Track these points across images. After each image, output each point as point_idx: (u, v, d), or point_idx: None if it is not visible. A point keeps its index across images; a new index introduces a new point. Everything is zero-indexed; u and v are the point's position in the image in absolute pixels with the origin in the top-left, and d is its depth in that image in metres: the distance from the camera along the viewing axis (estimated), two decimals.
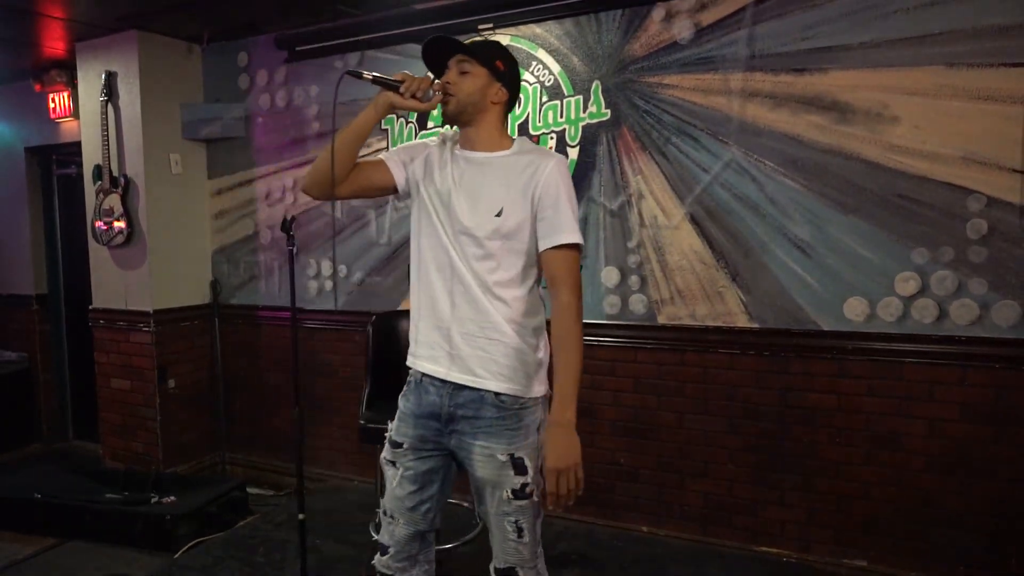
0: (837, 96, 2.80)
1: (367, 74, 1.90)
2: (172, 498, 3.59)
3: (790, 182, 2.90)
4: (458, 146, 1.91)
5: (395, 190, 1.95)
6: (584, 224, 3.31)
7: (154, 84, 4.02)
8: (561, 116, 3.32)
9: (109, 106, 4.05)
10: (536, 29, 3.34)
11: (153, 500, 3.58)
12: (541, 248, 1.80)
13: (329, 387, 4.05)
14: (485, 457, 1.80)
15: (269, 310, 4.21)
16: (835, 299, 2.87)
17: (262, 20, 3.87)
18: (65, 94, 4.65)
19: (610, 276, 3.26)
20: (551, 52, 3.31)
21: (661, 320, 3.18)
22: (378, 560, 1.96)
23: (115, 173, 4.07)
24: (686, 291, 3.13)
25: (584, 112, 3.27)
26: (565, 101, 3.30)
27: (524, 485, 1.80)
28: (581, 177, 3.29)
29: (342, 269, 3.97)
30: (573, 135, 3.30)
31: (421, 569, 1.98)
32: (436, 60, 1.92)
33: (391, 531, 1.93)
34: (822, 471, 2.94)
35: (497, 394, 1.80)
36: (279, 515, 3.63)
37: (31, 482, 3.79)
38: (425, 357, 1.89)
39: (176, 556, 3.26)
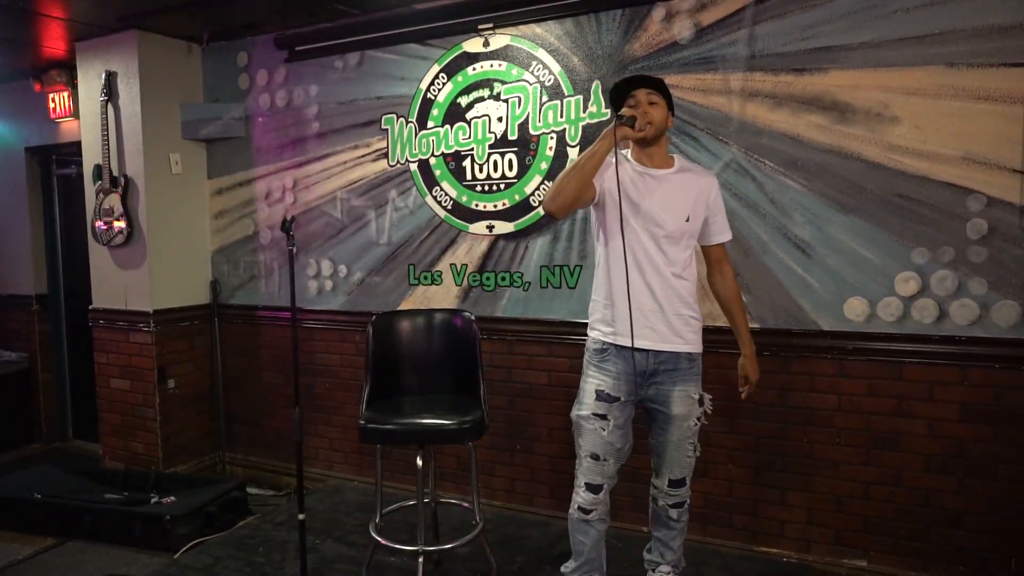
0: (837, 96, 2.80)
1: (617, 116, 2.32)
2: (172, 498, 3.59)
3: (790, 182, 2.90)
4: (636, 164, 2.39)
5: (593, 199, 2.38)
6: (584, 224, 3.31)
7: (154, 84, 4.03)
8: (561, 116, 3.31)
9: (109, 106, 4.05)
10: (536, 29, 3.34)
11: (153, 500, 3.59)
12: (714, 242, 2.47)
13: (329, 387, 4.05)
14: (684, 397, 2.39)
15: (269, 310, 4.21)
16: (835, 299, 2.87)
17: (262, 20, 3.87)
18: (65, 94, 4.65)
19: None
20: (551, 52, 3.31)
21: None
22: (589, 499, 2.42)
23: (115, 173, 4.07)
24: None
25: (584, 112, 3.27)
26: (565, 101, 3.30)
27: (705, 413, 2.46)
28: None
29: (342, 269, 3.97)
30: (573, 135, 3.30)
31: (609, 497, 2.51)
32: (621, 93, 2.37)
33: (603, 471, 2.42)
34: (822, 471, 2.95)
35: (688, 354, 2.39)
36: (279, 515, 3.63)
37: (31, 482, 3.79)
38: (623, 333, 2.35)
39: (176, 556, 3.26)
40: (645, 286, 2.35)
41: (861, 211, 2.80)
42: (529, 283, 3.45)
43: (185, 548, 3.32)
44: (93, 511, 3.50)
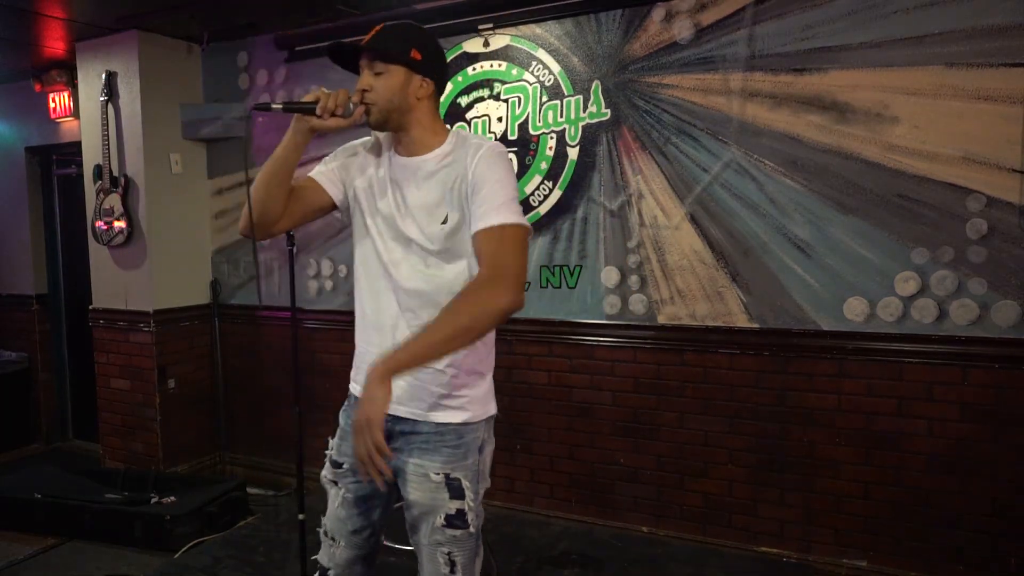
0: (837, 96, 2.80)
1: (275, 104, 1.68)
2: (172, 498, 3.59)
3: (790, 182, 2.90)
4: (393, 150, 1.74)
5: (334, 207, 1.80)
6: (584, 224, 3.31)
7: (154, 84, 4.02)
8: (561, 116, 3.32)
9: (109, 106, 4.05)
10: (536, 29, 3.34)
11: (153, 500, 3.58)
12: (473, 231, 1.59)
13: (329, 387, 4.04)
14: (419, 477, 1.66)
15: (269, 310, 4.21)
16: (835, 299, 2.86)
17: (262, 20, 3.87)
18: (65, 94, 4.64)
19: (610, 276, 3.26)
20: (551, 52, 3.31)
21: (661, 320, 3.18)
22: None
23: (115, 173, 4.06)
24: (686, 291, 3.13)
25: (584, 112, 3.27)
26: (565, 101, 3.30)
27: (460, 511, 1.65)
28: (581, 177, 3.29)
29: (342, 269, 3.96)
30: (573, 135, 3.30)
31: None
32: (353, 64, 1.74)
33: (331, 554, 1.83)
34: (822, 471, 2.94)
35: (439, 423, 1.66)
36: (279, 515, 3.64)
37: (31, 482, 3.79)
38: (357, 379, 1.77)
39: (176, 556, 3.26)
40: (382, 318, 1.70)
41: (861, 211, 2.79)
42: (529, 283, 3.45)
43: (185, 548, 3.32)
44: (93, 511, 3.49)
